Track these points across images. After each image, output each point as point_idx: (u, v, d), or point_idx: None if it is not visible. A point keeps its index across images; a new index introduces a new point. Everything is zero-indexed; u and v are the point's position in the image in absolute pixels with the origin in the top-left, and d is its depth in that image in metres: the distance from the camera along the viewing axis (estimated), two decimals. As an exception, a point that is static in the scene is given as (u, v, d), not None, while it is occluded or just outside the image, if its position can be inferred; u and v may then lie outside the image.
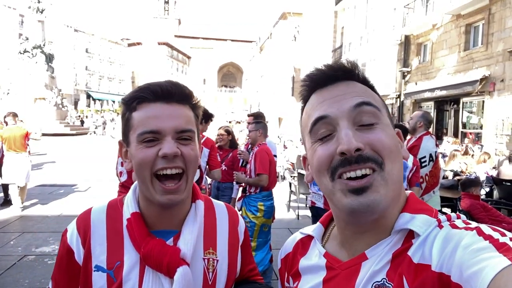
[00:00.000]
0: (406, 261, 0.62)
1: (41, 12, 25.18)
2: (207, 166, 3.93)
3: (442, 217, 0.66)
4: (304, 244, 0.84)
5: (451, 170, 7.50)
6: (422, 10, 16.52)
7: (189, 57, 73.29)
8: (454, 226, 0.62)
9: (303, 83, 0.76)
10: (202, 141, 3.73)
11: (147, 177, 0.87)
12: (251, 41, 71.86)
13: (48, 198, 7.70)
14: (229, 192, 4.72)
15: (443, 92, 14.82)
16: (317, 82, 0.74)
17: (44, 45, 25.11)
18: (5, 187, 7.01)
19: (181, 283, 0.85)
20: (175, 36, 72.48)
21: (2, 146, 6.92)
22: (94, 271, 0.90)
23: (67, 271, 0.94)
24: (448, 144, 13.11)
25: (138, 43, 64.16)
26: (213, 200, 1.10)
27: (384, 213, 0.66)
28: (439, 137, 14.84)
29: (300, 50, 32.43)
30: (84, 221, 0.96)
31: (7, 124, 7.09)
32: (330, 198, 0.69)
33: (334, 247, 0.77)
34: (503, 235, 0.56)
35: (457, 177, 6.84)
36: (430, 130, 4.54)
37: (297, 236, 0.89)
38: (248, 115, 5.07)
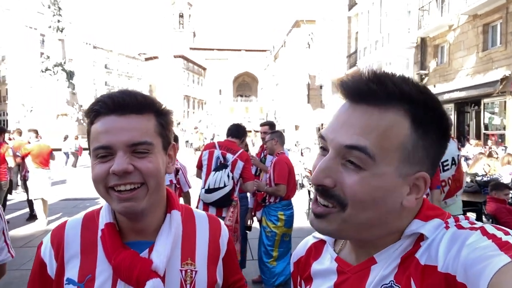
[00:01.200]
0: (414, 263, 0.63)
1: (61, 31, 26.02)
2: (240, 178, 3.94)
3: (450, 219, 0.66)
4: (317, 248, 0.84)
5: (474, 174, 7.30)
6: (437, 11, 16.31)
7: (204, 69, 74.19)
8: (460, 227, 0.62)
9: (341, 86, 0.68)
10: (237, 154, 3.79)
11: (102, 191, 0.85)
12: (265, 50, 72.25)
13: (72, 212, 7.87)
14: (246, 202, 4.73)
15: (463, 94, 14.52)
16: (347, 94, 0.66)
17: (64, 62, 25.91)
18: (31, 203, 7.20)
19: None
20: (190, 48, 73.58)
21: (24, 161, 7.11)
22: (66, 284, 0.88)
23: (39, 284, 0.93)
24: (471, 147, 12.80)
25: (155, 57, 65.42)
26: (194, 209, 1.08)
27: (374, 237, 0.68)
28: (460, 140, 14.51)
29: (314, 57, 32.43)
30: (58, 234, 0.95)
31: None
32: None
33: (345, 251, 0.77)
34: (507, 233, 0.56)
35: (478, 178, 6.66)
36: (451, 132, 4.45)
37: (309, 240, 0.89)
38: (261, 125, 5.11)
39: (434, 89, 16.78)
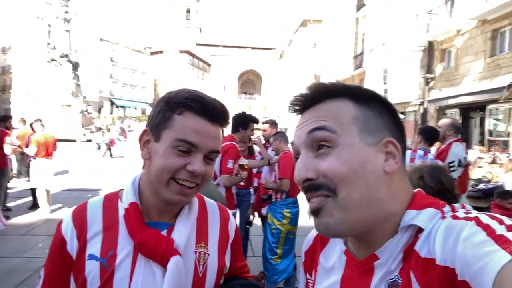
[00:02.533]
0: (414, 257, 0.63)
1: (68, 22, 26.02)
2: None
3: (446, 208, 0.66)
4: (322, 239, 0.85)
5: (478, 180, 7.28)
6: (446, 15, 16.25)
7: (209, 65, 74.21)
8: (455, 217, 0.62)
9: (291, 111, 0.80)
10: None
11: (165, 179, 0.90)
12: (270, 49, 72.23)
13: (74, 202, 7.88)
14: (248, 198, 4.74)
15: (469, 99, 14.46)
16: (296, 111, 0.77)
17: (70, 54, 25.92)
18: (34, 191, 7.24)
19: (174, 272, 0.89)
20: (196, 44, 73.59)
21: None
22: (88, 260, 0.92)
23: (59, 261, 0.96)
24: (474, 152, 12.76)
25: (160, 52, 65.47)
26: (205, 198, 1.14)
27: (374, 226, 0.68)
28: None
29: (320, 57, 32.36)
30: (80, 214, 0.98)
31: (33, 130, 7.34)
32: None
33: (352, 243, 0.77)
34: (501, 222, 0.56)
35: (482, 186, 6.64)
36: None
37: None
38: (263, 123, 5.14)
39: (439, 93, 16.75)
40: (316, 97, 0.72)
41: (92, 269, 0.91)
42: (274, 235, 3.93)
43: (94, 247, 0.94)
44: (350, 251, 0.76)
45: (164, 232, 0.96)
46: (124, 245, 0.93)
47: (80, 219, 0.97)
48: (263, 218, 4.40)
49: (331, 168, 0.65)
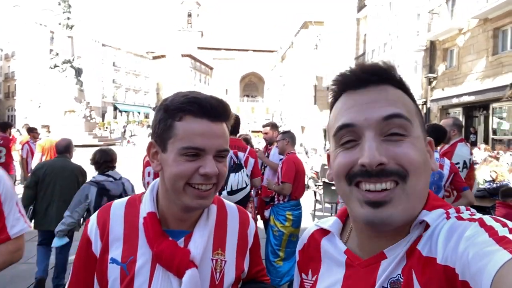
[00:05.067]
0: (416, 255, 0.63)
1: (71, 28, 26.13)
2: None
3: (451, 210, 0.66)
4: (319, 235, 0.84)
5: (483, 180, 7.22)
6: (447, 15, 16.22)
7: (211, 68, 74.34)
8: (460, 218, 0.62)
9: (334, 82, 0.73)
10: (248, 151, 3.85)
11: (181, 186, 0.90)
12: (272, 51, 72.30)
13: (78, 208, 7.92)
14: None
15: (472, 98, 14.42)
16: (347, 84, 0.70)
17: (73, 59, 26.00)
18: None
19: (189, 285, 0.89)
20: (198, 48, 73.78)
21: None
22: (110, 263, 0.94)
23: (85, 260, 0.99)
24: (479, 151, 12.69)
25: (163, 56, 65.64)
26: (225, 201, 1.13)
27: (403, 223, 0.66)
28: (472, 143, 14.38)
29: (322, 58, 32.36)
30: (104, 215, 1.01)
31: (35, 137, 7.40)
32: (347, 203, 0.69)
33: (353, 244, 0.76)
34: (504, 225, 0.56)
35: (486, 185, 6.60)
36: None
37: (312, 228, 0.89)
38: (263, 126, 5.15)
39: (442, 93, 16.70)
40: (385, 75, 0.68)
41: (113, 272, 0.94)
42: (276, 238, 3.93)
43: (116, 251, 0.95)
44: (351, 250, 0.75)
45: (181, 240, 0.96)
46: (144, 252, 0.95)
47: (103, 220, 1.00)
48: (266, 221, 4.40)
49: (408, 155, 0.63)
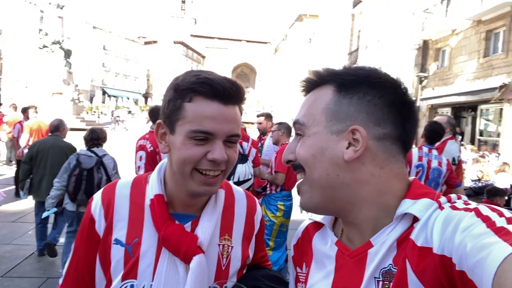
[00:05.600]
0: (410, 245, 0.63)
1: (61, 8, 25.58)
2: None
3: (443, 199, 0.66)
4: (313, 229, 0.86)
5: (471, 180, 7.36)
6: (441, 15, 16.32)
7: (203, 57, 73.75)
8: (454, 208, 0.62)
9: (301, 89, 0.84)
10: (250, 141, 3.87)
11: (188, 171, 0.87)
12: (265, 42, 72.01)
13: (65, 191, 7.84)
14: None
15: (461, 98, 14.61)
16: (303, 90, 0.83)
17: (63, 41, 25.50)
18: (17, 179, 7.15)
19: (196, 272, 0.87)
20: (191, 35, 73.03)
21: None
22: (113, 244, 0.92)
23: (87, 238, 0.96)
24: (466, 151, 12.91)
25: (154, 42, 64.81)
26: (233, 186, 1.11)
27: (348, 207, 0.72)
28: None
29: (315, 52, 32.35)
30: (108, 194, 0.98)
31: (26, 117, 7.25)
32: None
33: (344, 236, 0.78)
34: (501, 215, 0.56)
35: (472, 184, 6.74)
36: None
37: (306, 222, 0.91)
38: (257, 116, 5.17)
39: (432, 92, 16.88)
40: (312, 82, 0.79)
41: (116, 254, 0.91)
42: (267, 227, 3.95)
43: (120, 232, 0.93)
44: (342, 242, 0.76)
45: (188, 225, 0.94)
46: (149, 234, 0.92)
47: (108, 198, 0.97)
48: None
49: (298, 153, 0.75)
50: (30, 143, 6.74)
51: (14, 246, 4.61)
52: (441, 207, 0.64)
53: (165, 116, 0.90)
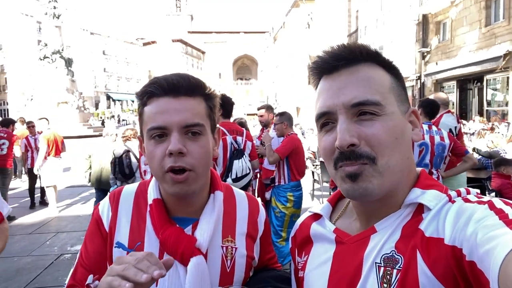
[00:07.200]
0: (419, 235, 0.63)
1: (58, 18, 25.56)
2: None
3: (453, 193, 0.66)
4: (307, 222, 0.87)
5: (477, 150, 7.26)
6: (439, -13, 16.01)
7: (203, 52, 73.52)
8: (467, 200, 0.62)
9: (311, 70, 0.76)
10: (245, 135, 3.80)
11: (160, 174, 0.88)
12: (264, 32, 71.42)
13: (79, 199, 7.95)
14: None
15: (466, 70, 14.40)
16: (322, 69, 0.74)
17: (62, 50, 25.51)
18: (32, 191, 7.30)
19: (194, 273, 0.86)
20: (189, 32, 72.76)
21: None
22: (115, 247, 0.93)
23: (98, 238, 0.97)
24: (474, 123, 12.76)
25: (153, 42, 64.76)
26: (234, 188, 1.11)
27: (391, 193, 0.68)
28: (463, 117, 14.45)
29: (314, 37, 32.01)
30: (115, 197, 1.01)
31: (30, 130, 7.35)
32: (336, 182, 0.73)
33: (344, 224, 0.78)
34: None
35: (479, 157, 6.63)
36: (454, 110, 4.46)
37: (305, 214, 0.91)
38: (258, 108, 5.13)
39: (436, 67, 16.65)
40: (350, 58, 0.70)
41: None
42: (278, 219, 3.98)
43: (123, 235, 0.94)
44: (340, 228, 0.77)
45: (189, 228, 0.93)
46: (151, 239, 0.93)
47: (115, 200, 1.00)
48: (267, 202, 4.45)
49: (376, 135, 0.66)
50: (50, 155, 6.86)
51: (33, 257, 4.71)
52: (452, 201, 0.64)
53: (139, 128, 0.94)
